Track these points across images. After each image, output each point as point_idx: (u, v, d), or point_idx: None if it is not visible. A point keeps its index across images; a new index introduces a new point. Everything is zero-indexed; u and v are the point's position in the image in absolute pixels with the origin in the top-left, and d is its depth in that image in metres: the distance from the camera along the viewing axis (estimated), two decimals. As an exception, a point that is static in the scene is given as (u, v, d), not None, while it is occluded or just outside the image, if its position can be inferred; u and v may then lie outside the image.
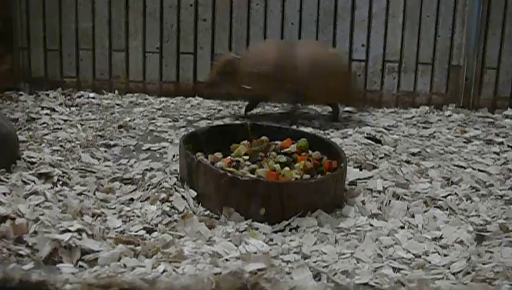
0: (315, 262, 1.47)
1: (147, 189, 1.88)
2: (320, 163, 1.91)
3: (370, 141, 2.48)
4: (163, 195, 1.80)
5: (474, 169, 2.21)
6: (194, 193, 1.80)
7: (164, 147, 2.35)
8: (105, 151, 2.26)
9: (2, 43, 3.09)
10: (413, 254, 1.55)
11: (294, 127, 2.54)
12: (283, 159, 1.91)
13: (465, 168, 2.23)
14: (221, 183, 1.71)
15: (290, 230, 1.67)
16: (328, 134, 2.60)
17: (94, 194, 1.85)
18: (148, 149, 2.34)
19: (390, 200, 1.88)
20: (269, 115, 2.90)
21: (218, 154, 1.92)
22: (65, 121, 2.64)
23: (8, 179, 1.84)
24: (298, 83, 2.63)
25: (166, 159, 2.19)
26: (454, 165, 2.24)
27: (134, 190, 1.91)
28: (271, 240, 1.60)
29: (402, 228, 1.72)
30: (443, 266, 1.49)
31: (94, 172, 2.03)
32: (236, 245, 1.53)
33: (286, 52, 2.67)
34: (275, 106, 3.08)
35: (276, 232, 1.65)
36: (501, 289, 1.34)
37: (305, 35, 3.10)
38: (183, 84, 3.27)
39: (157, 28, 3.18)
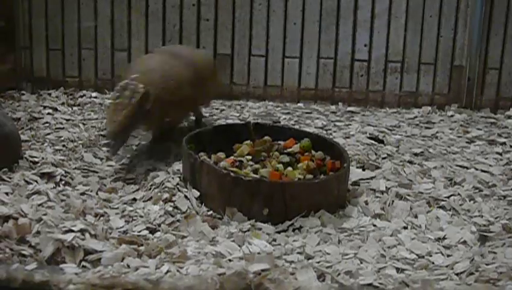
0: (318, 262, 1.47)
1: (150, 189, 1.88)
2: (323, 163, 1.91)
3: (373, 141, 2.47)
4: (166, 195, 1.80)
5: (476, 169, 2.21)
6: (197, 193, 1.80)
7: (167, 147, 2.34)
8: (108, 151, 2.26)
9: (4, 42, 3.08)
10: (417, 255, 1.55)
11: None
12: (286, 159, 1.90)
13: (467, 168, 2.22)
14: (224, 183, 1.71)
15: (293, 230, 1.67)
16: (331, 134, 2.59)
17: (97, 194, 1.85)
18: (151, 149, 2.33)
19: (393, 201, 1.88)
20: (271, 115, 2.89)
21: (221, 154, 1.92)
22: (67, 120, 2.64)
23: (10, 178, 1.84)
24: (196, 92, 2.34)
25: (169, 159, 2.19)
26: (457, 166, 2.24)
27: (137, 189, 1.91)
28: (274, 240, 1.60)
29: (405, 228, 1.72)
30: (446, 266, 1.49)
31: (97, 172, 2.03)
32: (239, 245, 1.53)
33: (180, 66, 2.32)
34: (276, 106, 3.07)
35: (279, 232, 1.65)
36: (505, 289, 1.34)
37: (308, 35, 3.10)
38: (185, 84, 3.26)
39: (160, 28, 3.17)
